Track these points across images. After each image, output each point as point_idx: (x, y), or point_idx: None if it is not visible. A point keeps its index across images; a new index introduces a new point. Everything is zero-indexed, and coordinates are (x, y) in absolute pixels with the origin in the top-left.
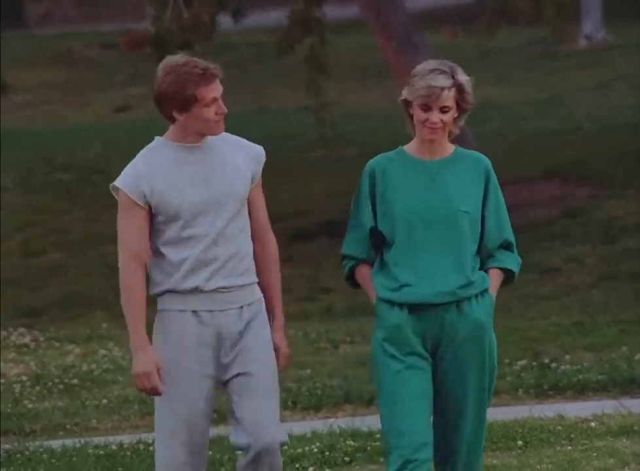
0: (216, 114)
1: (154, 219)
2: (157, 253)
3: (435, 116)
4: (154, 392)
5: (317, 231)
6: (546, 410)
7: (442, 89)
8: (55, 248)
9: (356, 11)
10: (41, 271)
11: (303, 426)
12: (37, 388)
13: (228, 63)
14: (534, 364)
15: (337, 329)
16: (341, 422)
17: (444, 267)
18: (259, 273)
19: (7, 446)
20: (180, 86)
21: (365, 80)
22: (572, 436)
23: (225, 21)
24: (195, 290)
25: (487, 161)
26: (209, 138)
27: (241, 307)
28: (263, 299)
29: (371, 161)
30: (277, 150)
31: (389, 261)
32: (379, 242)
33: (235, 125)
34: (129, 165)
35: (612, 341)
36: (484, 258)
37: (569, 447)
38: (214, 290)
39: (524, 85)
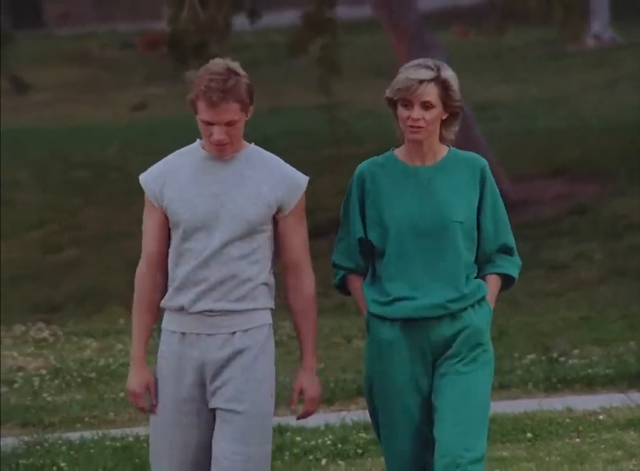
0: (209, 136)
1: (170, 224)
2: (170, 261)
3: (416, 113)
4: (142, 411)
5: (329, 228)
6: (555, 403)
7: (421, 81)
8: (72, 244)
9: (368, 11)
10: (59, 267)
11: (317, 419)
12: (56, 381)
13: (243, 63)
14: (543, 358)
15: (350, 325)
16: (354, 415)
17: (435, 279)
18: (292, 312)
19: (27, 438)
20: (192, 88)
21: (377, 79)
22: (581, 428)
23: (240, 21)
24: (181, 310)
25: (482, 163)
26: (242, 153)
27: (233, 333)
28: (270, 328)
29: (360, 166)
30: (290, 148)
31: (381, 274)
32: (369, 251)
33: (250, 123)
34: (155, 164)
35: (620, 336)
36: (482, 263)
37: (577, 440)
38: (200, 313)
39: (533, 84)
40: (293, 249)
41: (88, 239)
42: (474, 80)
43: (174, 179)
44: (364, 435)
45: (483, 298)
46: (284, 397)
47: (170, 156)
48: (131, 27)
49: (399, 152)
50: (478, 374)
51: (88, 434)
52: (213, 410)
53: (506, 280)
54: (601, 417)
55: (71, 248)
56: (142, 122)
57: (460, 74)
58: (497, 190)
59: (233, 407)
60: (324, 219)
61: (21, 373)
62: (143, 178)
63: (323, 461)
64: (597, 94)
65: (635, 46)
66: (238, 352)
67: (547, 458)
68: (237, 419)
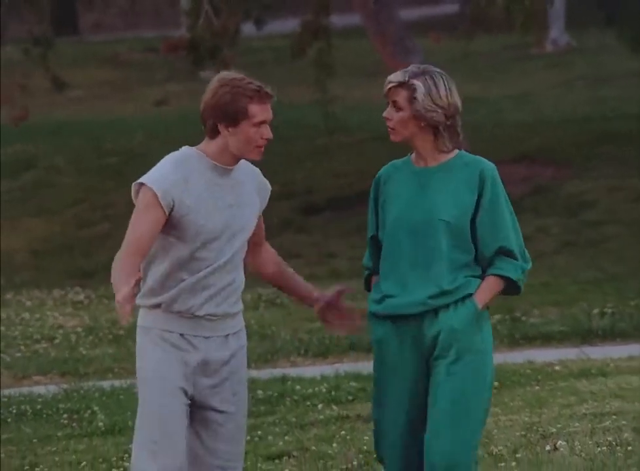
0: (261, 137)
1: (170, 230)
2: (160, 263)
3: (387, 111)
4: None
5: (324, 206)
6: (518, 357)
7: (389, 82)
8: (103, 220)
9: (358, 19)
10: (92, 239)
11: (314, 370)
12: (90, 337)
13: (250, 64)
14: (507, 317)
15: None
16: (346, 367)
17: (420, 277)
18: (270, 269)
19: (65, 386)
20: (234, 98)
21: (365, 79)
22: (540, 378)
23: (248, 28)
24: (186, 313)
25: (484, 167)
26: (240, 164)
27: (227, 336)
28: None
29: (380, 170)
30: (291, 138)
31: (380, 272)
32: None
33: None
34: (161, 169)
35: (574, 298)
36: (483, 265)
37: (537, 387)
38: (203, 316)
39: (500, 83)
40: (259, 237)
41: (116, 216)
42: None
43: (190, 187)
44: (354, 384)
45: (468, 296)
46: (286, 351)
47: (173, 166)
48: (154, 34)
49: (412, 156)
50: (463, 377)
51: (117, 383)
52: (191, 403)
53: (510, 285)
54: (557, 367)
55: (102, 223)
56: (163, 115)
57: None
58: (502, 194)
59: (226, 409)
60: (318, 199)
61: (60, 331)
62: (156, 184)
63: (319, 406)
64: (555, 92)
65: (587, 50)
66: (232, 355)
67: (511, 404)
68: (230, 421)
